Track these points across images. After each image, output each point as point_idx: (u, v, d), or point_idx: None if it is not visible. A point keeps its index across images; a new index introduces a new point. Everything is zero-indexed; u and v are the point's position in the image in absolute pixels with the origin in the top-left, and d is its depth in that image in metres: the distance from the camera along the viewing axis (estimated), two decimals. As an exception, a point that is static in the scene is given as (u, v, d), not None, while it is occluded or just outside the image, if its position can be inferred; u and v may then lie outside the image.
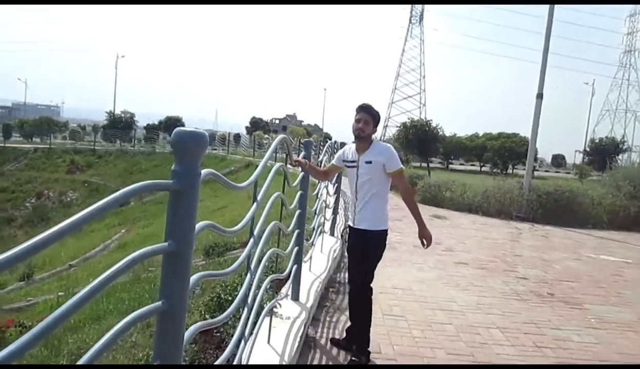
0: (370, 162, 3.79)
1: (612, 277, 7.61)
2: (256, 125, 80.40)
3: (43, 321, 1.04)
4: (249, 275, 2.52)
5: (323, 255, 6.26)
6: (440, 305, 5.41)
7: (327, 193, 7.51)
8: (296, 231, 4.32)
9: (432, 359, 4.01)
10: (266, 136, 50.37)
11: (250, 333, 2.80)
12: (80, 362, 1.23)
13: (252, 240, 2.50)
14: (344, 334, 4.14)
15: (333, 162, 4.24)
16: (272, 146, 3.14)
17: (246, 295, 2.49)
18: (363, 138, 3.82)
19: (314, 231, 6.10)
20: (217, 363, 2.10)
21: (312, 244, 6.09)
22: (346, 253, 4.22)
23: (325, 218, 7.14)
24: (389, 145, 3.94)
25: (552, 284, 6.81)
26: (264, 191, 2.59)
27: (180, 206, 1.37)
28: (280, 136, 3.47)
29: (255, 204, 2.45)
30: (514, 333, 4.77)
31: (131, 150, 38.06)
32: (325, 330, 4.42)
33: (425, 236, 3.86)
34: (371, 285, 3.86)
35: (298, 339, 3.69)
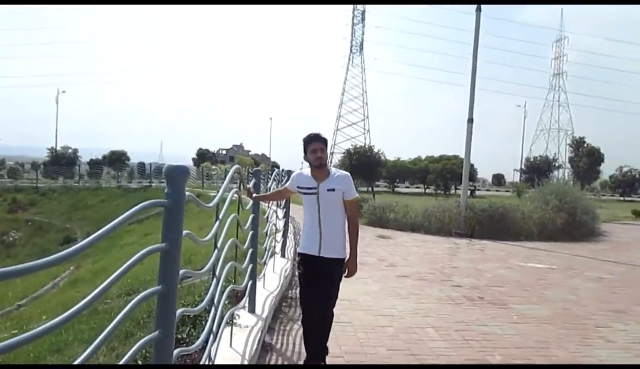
0: (332, 190, 3.81)
1: (536, 281, 8.47)
2: (203, 156, 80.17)
3: (34, 331, 1.32)
4: (214, 280, 3.06)
5: (275, 274, 6.79)
6: (382, 312, 6.03)
7: (277, 217, 8.07)
8: (250, 250, 4.87)
9: (374, 355, 4.60)
10: (214, 167, 50.53)
11: (215, 335, 3.31)
12: (97, 340, 1.73)
13: (216, 251, 3.04)
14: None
15: (287, 186, 4.20)
16: (229, 175, 3.68)
17: (213, 295, 3.02)
18: (323, 165, 3.84)
19: (266, 252, 6.63)
20: (192, 347, 2.62)
21: (265, 263, 6.61)
22: (299, 280, 4.08)
23: (275, 241, 7.68)
24: (346, 172, 4.00)
25: (483, 289, 7.57)
26: (224, 211, 3.14)
27: (172, 219, 1.91)
28: (235, 166, 4.00)
29: (217, 221, 3.00)
30: (446, 331, 5.44)
31: (76, 186, 37.34)
32: (280, 337, 4.95)
33: (352, 268, 3.95)
34: None
35: (256, 343, 4.21)
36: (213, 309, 3.03)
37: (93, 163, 55.06)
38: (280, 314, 5.66)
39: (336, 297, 3.99)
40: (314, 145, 3.85)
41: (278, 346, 4.73)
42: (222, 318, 3.36)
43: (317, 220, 3.83)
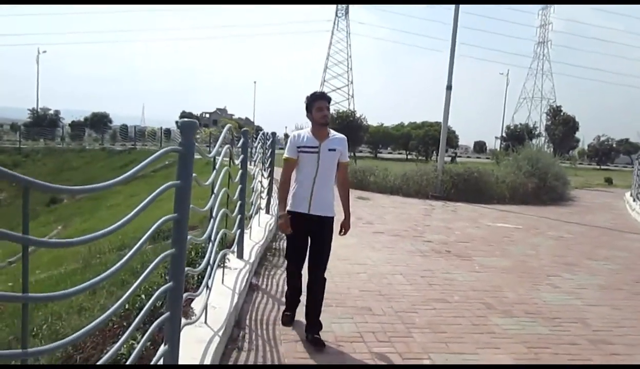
0: (334, 150, 3.90)
1: (501, 238, 9.20)
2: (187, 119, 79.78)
3: (70, 290, 1.83)
4: (210, 244, 3.67)
5: (260, 228, 7.38)
6: (357, 261, 6.67)
7: (262, 176, 8.62)
8: (239, 202, 5.44)
9: (347, 294, 5.25)
10: (198, 130, 50.59)
11: (210, 276, 3.90)
12: (123, 298, 2.27)
13: (212, 220, 3.64)
14: (285, 307, 4.40)
15: (288, 155, 3.96)
16: (222, 135, 4.20)
17: (210, 254, 3.62)
18: (327, 123, 3.94)
19: (253, 207, 7.20)
20: (197, 293, 3.20)
21: (251, 218, 7.18)
22: (287, 237, 4.16)
23: (261, 198, 8.25)
24: (344, 136, 4.09)
25: (451, 244, 8.27)
26: (219, 163, 3.69)
27: (185, 162, 2.45)
28: (228, 125, 4.51)
29: (213, 195, 3.59)
30: (413, 277, 6.11)
31: (59, 148, 37.38)
32: (265, 279, 5.57)
33: (346, 227, 4.15)
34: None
35: (245, 282, 4.82)
36: (209, 264, 3.64)
37: (75, 125, 54.73)
38: (265, 262, 6.27)
39: (327, 258, 4.05)
40: (320, 102, 3.89)
41: (263, 286, 5.35)
42: (214, 263, 3.95)
43: (311, 179, 3.88)
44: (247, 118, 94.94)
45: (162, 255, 2.48)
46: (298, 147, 3.92)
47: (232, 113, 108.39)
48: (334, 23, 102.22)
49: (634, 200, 15.15)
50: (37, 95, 59.69)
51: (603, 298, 5.79)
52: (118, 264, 2.00)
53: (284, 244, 7.27)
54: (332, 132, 3.98)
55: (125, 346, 3.03)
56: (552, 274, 6.75)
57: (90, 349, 4.24)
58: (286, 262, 4.37)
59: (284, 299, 4.95)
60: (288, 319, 4.30)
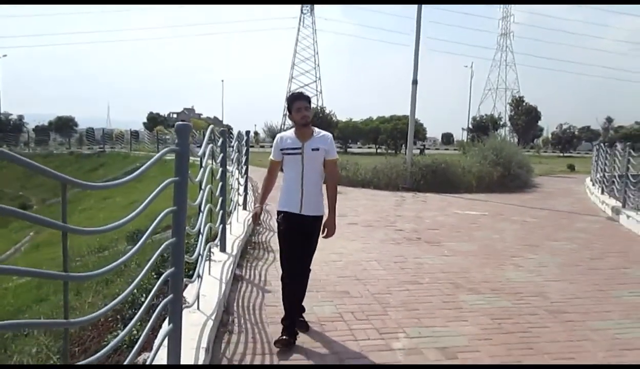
0: (317, 149, 3.87)
1: (469, 225, 9.68)
2: (154, 120, 78.78)
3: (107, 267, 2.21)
4: (200, 236, 3.98)
5: (239, 223, 7.68)
6: (333, 251, 7.01)
7: (240, 175, 8.90)
8: (220, 199, 5.73)
9: (326, 280, 5.60)
10: (166, 131, 50.29)
11: (201, 266, 4.20)
12: (127, 290, 2.56)
13: (201, 214, 3.95)
14: (282, 334, 3.90)
15: (272, 158, 4.05)
16: (207, 136, 4.44)
17: (200, 245, 3.94)
18: (308, 124, 3.91)
19: (232, 203, 7.49)
20: (192, 279, 3.51)
21: (231, 214, 7.47)
22: (280, 238, 4.06)
23: (238, 194, 8.54)
24: (328, 133, 4.06)
25: (421, 232, 8.70)
26: (205, 163, 4.00)
27: (182, 159, 2.76)
28: (211, 127, 4.77)
29: (201, 191, 3.91)
30: (386, 263, 6.50)
31: (26, 153, 36.74)
32: (248, 271, 5.88)
33: (330, 227, 4.03)
34: None
35: (230, 273, 5.13)
36: (200, 256, 3.96)
37: (39, 130, 53.71)
38: (246, 255, 6.57)
39: (314, 251, 4.11)
40: (299, 103, 3.88)
41: (247, 277, 5.67)
42: (204, 254, 4.26)
43: (299, 179, 3.87)
44: (215, 118, 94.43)
45: (165, 243, 2.78)
46: (281, 149, 3.94)
47: (200, 112, 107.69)
48: (300, 20, 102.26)
49: (593, 185, 15.88)
50: (-1, 100, 58.39)
51: (561, 274, 6.28)
52: (134, 249, 2.30)
53: (262, 238, 7.62)
54: (317, 131, 3.96)
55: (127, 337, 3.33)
56: (515, 255, 7.22)
57: (88, 342, 4.49)
58: (280, 271, 4.11)
59: (267, 287, 5.30)
60: (285, 343, 3.77)
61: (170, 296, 2.83)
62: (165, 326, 2.94)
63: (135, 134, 46.52)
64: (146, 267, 2.55)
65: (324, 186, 4.02)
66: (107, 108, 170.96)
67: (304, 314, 4.24)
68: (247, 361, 3.58)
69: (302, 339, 3.97)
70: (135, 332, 3.39)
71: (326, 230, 4.04)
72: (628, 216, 10.05)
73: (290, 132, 4.00)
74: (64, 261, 1.86)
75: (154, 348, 2.95)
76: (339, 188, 4.35)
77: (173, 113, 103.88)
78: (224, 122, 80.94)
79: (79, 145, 44.03)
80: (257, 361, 3.59)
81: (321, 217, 4.00)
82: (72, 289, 7.03)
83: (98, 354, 2.05)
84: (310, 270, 4.14)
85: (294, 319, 3.97)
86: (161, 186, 2.62)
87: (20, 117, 52.54)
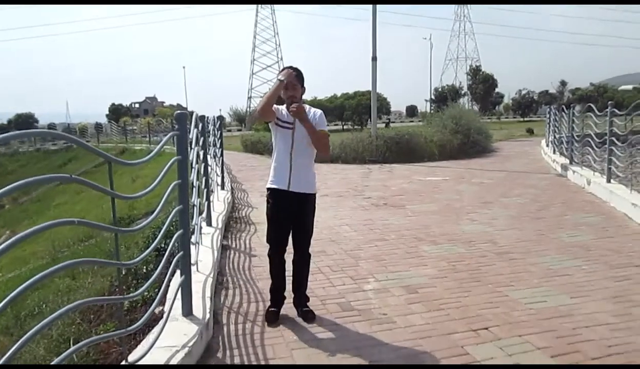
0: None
1: (431, 189, 10.51)
2: (117, 111, 77.94)
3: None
4: (195, 209, 4.62)
5: (220, 202, 8.30)
6: (309, 220, 7.72)
7: (216, 156, 9.50)
8: (204, 178, 6.36)
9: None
10: (130, 121, 50.02)
11: (198, 234, 4.84)
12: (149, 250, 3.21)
13: (194, 189, 4.59)
14: (270, 304, 4.10)
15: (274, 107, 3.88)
16: (193, 122, 5.03)
17: (196, 217, 4.58)
18: (296, 102, 3.80)
19: (211, 182, 8.11)
20: (194, 240, 4.15)
21: (212, 192, 8.09)
22: (268, 216, 4.02)
23: (217, 175, 9.15)
24: (320, 110, 4.00)
25: (387, 198, 9.48)
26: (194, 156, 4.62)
27: (182, 141, 3.40)
28: (195, 113, 5.37)
29: (193, 169, 4.53)
30: (357, 226, 7.24)
31: (-11, 154, 36.36)
32: (233, 241, 6.54)
33: (299, 107, 3.74)
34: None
35: (218, 243, 5.79)
36: (196, 222, 4.60)
37: (-1, 129, 52.85)
38: (230, 228, 7.23)
39: (310, 236, 4.07)
40: (286, 82, 3.78)
41: (233, 246, 6.33)
42: (199, 225, 4.91)
43: (288, 155, 3.84)
44: (178, 105, 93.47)
45: (174, 210, 3.44)
46: (278, 118, 3.87)
47: (163, 100, 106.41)
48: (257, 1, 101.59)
49: (547, 146, 16.94)
50: (-46, 101, 56.89)
51: (511, 225, 7.13)
52: (144, 222, 2.95)
53: (242, 213, 8.28)
54: (308, 108, 3.90)
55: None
56: (471, 212, 8.07)
57: (103, 312, 5.10)
58: (268, 247, 4.12)
59: (252, 253, 5.98)
60: (272, 316, 3.96)
61: (181, 253, 3.50)
62: (178, 279, 3.61)
63: (99, 127, 46.14)
64: (166, 224, 3.20)
65: (315, 166, 4.01)
66: (66, 104, 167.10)
67: (308, 304, 4.11)
68: (244, 308, 4.26)
69: (288, 290, 4.63)
70: (146, 293, 4.06)
71: (294, 108, 3.75)
72: (574, 172, 11.03)
73: (284, 106, 3.90)
74: (114, 220, 2.50)
75: (169, 299, 3.63)
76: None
77: (135, 103, 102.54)
78: (188, 109, 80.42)
79: (42, 142, 43.51)
80: (252, 309, 4.25)
81: (312, 196, 3.97)
82: (68, 274, 7.59)
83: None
84: (309, 255, 4.12)
85: (280, 288, 4.08)
86: (169, 163, 3.26)
87: (-21, 117, 51.41)
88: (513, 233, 6.60)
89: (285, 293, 4.15)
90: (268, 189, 4.00)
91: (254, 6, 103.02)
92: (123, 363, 2.68)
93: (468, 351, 3.38)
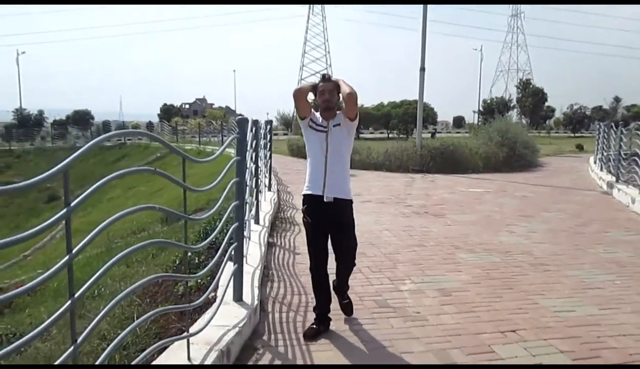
0: (338, 125, 3.79)
1: (472, 200, 10.66)
2: (168, 111, 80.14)
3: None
4: (247, 205, 5.02)
5: (266, 202, 8.73)
6: (351, 223, 8.05)
7: (265, 158, 9.95)
8: (254, 178, 6.78)
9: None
10: (181, 122, 51.53)
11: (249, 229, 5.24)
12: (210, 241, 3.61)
13: (247, 186, 5.00)
14: (314, 323, 3.98)
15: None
16: (249, 127, 5.45)
17: (246, 213, 4.98)
18: (331, 107, 3.82)
19: (260, 183, 8.54)
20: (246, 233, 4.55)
21: (260, 193, 8.53)
22: (306, 228, 3.99)
23: (265, 176, 9.59)
24: None
25: (428, 207, 9.70)
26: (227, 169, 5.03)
27: (242, 144, 3.79)
28: (250, 119, 5.78)
29: (247, 170, 4.94)
30: (397, 231, 7.52)
31: (50, 147, 38.21)
32: (279, 239, 6.94)
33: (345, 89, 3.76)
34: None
35: (265, 239, 6.18)
36: (245, 217, 5.00)
37: (57, 124, 55.22)
38: (275, 228, 7.63)
39: (355, 245, 4.03)
40: (322, 86, 3.83)
41: (278, 243, 6.72)
42: (249, 220, 5.31)
43: (323, 159, 3.79)
44: (227, 107, 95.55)
45: (232, 205, 3.83)
46: (311, 120, 3.87)
47: (212, 102, 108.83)
48: (309, 7, 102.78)
49: (595, 163, 16.71)
50: (19, 96, 60.07)
51: (548, 238, 7.26)
52: (207, 213, 3.35)
53: (288, 214, 8.67)
54: (340, 113, 3.89)
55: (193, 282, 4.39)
56: (511, 224, 8.21)
57: (158, 296, 5.57)
58: (309, 261, 4.07)
59: (296, 251, 6.34)
60: (311, 333, 3.84)
61: (235, 243, 3.89)
62: (231, 267, 4.00)
63: (151, 126, 47.76)
64: (224, 218, 3.60)
65: (359, 173, 4.31)
66: (120, 101, 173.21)
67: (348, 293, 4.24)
68: (287, 299, 4.62)
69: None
70: (200, 280, 4.48)
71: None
72: (619, 190, 10.96)
73: (319, 113, 3.93)
74: (184, 209, 2.90)
75: (221, 286, 4.02)
76: (352, 171, 4.60)
77: (185, 104, 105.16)
78: (237, 111, 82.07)
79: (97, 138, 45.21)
80: (295, 301, 4.61)
81: (348, 202, 3.90)
82: (122, 262, 8.15)
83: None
84: (354, 265, 4.11)
85: (324, 310, 3.98)
86: (230, 163, 3.67)
87: (41, 112, 54.03)
88: (550, 247, 6.74)
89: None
90: (304, 197, 3.94)
91: (306, 13, 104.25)
92: (184, 334, 3.06)
93: (494, 349, 3.63)
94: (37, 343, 4.07)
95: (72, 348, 1.99)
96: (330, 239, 3.93)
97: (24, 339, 1.78)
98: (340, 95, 3.81)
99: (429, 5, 17.20)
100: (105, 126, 49.69)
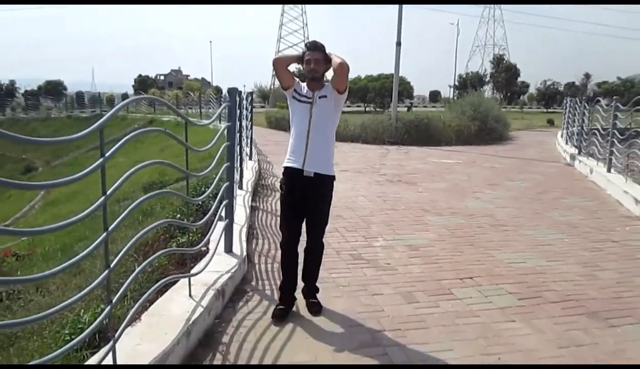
0: (325, 96, 3.58)
1: (443, 170, 11.26)
2: (143, 82, 79.12)
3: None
4: (235, 170, 5.45)
5: (248, 170, 9.18)
6: (328, 190, 8.55)
7: (246, 128, 10.35)
8: (237, 146, 7.21)
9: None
10: (158, 93, 51.10)
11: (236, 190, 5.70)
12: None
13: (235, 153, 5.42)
14: (279, 299, 3.82)
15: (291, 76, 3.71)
16: (231, 97, 5.87)
17: (234, 175, 5.42)
18: (317, 78, 3.60)
19: (242, 151, 8.97)
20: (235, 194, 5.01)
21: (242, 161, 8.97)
22: (281, 201, 3.85)
23: (246, 145, 10.01)
24: None
25: (402, 176, 10.26)
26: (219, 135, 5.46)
27: (232, 112, 4.23)
28: (226, 89, 6.18)
29: (227, 143, 5.35)
30: (371, 197, 8.06)
31: (23, 118, 37.73)
32: (260, 203, 7.42)
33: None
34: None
35: (249, 202, 6.66)
36: (234, 179, 5.44)
37: (29, 94, 54.20)
38: (257, 193, 8.10)
39: (326, 223, 3.82)
40: (309, 54, 3.58)
41: (261, 207, 7.20)
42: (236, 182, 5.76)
43: (305, 132, 3.58)
44: (203, 79, 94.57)
45: (224, 166, 4.28)
46: (295, 90, 3.65)
47: (187, 73, 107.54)
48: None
49: (561, 136, 17.47)
50: (-12, 65, 58.53)
51: (510, 203, 7.88)
52: (206, 171, 3.79)
53: (269, 181, 9.13)
54: (328, 83, 3.68)
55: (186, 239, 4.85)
56: (477, 191, 8.82)
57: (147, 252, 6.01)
58: (280, 237, 3.95)
59: (277, 214, 6.82)
60: (280, 314, 3.67)
61: (226, 200, 4.36)
62: (220, 226, 4.47)
63: (126, 97, 47.18)
64: (217, 178, 4.05)
65: (333, 145, 3.78)
66: (92, 72, 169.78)
67: (317, 295, 3.92)
68: (272, 253, 5.12)
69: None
70: (191, 236, 4.94)
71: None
72: (580, 161, 11.68)
73: (304, 84, 3.70)
74: (186, 168, 3.35)
75: (214, 240, 4.49)
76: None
77: (160, 75, 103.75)
78: (213, 83, 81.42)
79: (72, 109, 44.74)
80: (278, 255, 5.08)
81: (329, 179, 3.69)
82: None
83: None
84: (323, 245, 3.89)
85: (290, 286, 3.81)
86: (222, 129, 4.11)
87: (12, 82, 52.99)
88: (511, 211, 7.35)
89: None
90: (284, 170, 3.72)
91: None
92: (185, 274, 3.54)
93: (453, 292, 4.20)
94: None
95: (106, 271, 2.44)
96: (306, 213, 3.74)
97: (79, 295, 2.23)
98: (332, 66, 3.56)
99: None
100: (79, 97, 48.94)
